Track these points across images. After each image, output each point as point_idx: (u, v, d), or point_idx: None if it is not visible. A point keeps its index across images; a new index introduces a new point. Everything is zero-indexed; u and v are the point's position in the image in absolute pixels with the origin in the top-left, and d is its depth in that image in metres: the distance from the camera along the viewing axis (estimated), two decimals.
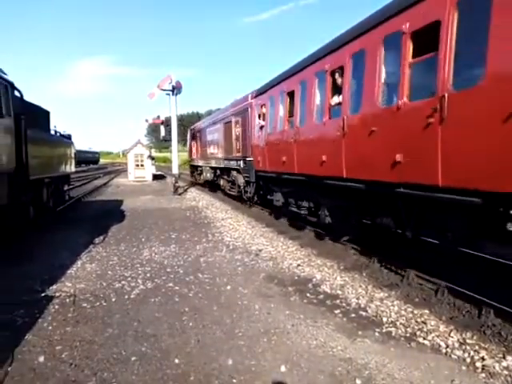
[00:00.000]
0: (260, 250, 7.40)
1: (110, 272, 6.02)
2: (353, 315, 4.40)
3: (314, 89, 7.42)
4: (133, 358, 3.42)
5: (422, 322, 4.16)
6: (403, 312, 4.43)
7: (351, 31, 6.26)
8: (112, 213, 12.43)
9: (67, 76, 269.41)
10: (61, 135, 12.37)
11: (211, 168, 18.74)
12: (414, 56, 4.76)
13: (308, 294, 5.04)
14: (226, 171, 16.01)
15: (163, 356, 3.47)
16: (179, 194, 18.40)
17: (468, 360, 3.40)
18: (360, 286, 5.33)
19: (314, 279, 5.66)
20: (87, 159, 65.15)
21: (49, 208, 10.53)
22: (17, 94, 7.67)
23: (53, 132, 11.52)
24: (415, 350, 3.61)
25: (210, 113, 51.43)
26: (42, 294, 4.98)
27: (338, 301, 4.83)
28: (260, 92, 11.16)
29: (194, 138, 24.41)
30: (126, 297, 4.94)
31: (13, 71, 7.41)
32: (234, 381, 3.10)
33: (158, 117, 24.22)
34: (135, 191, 20.19)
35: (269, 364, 3.33)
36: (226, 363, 3.34)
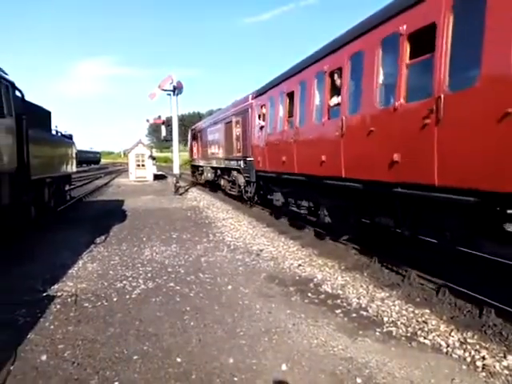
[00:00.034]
0: (261, 250, 7.41)
1: (111, 272, 6.04)
2: (354, 315, 4.41)
3: (313, 89, 7.48)
4: (135, 357, 3.44)
5: (423, 321, 4.17)
6: (404, 312, 4.44)
7: (349, 33, 6.32)
8: (113, 213, 12.45)
9: (69, 76, 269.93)
10: (62, 135, 12.39)
11: (212, 168, 18.76)
12: (410, 57, 4.83)
13: (309, 294, 5.05)
14: (226, 171, 16.05)
15: (165, 355, 3.48)
16: (180, 194, 18.42)
17: (468, 359, 3.41)
18: (361, 286, 5.34)
19: (315, 279, 5.67)
20: (88, 159, 65.23)
21: (50, 208, 10.56)
22: (18, 94, 7.70)
23: (54, 132, 11.55)
24: (416, 349, 3.62)
25: (211, 113, 51.45)
26: (44, 294, 5.00)
27: (338, 300, 4.84)
28: (260, 92, 11.22)
29: (194, 138, 24.45)
30: (128, 296, 4.95)
31: (14, 71, 7.47)
32: (236, 379, 3.11)
33: (159, 117, 24.25)
34: (136, 191, 20.22)
35: (270, 363, 3.35)
36: (227, 362, 3.36)
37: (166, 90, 18.47)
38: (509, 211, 4.12)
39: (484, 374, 3.20)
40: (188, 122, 65.34)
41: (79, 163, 30.47)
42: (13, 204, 6.95)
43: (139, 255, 7.11)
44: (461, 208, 4.33)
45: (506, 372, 3.20)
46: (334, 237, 7.84)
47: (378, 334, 3.93)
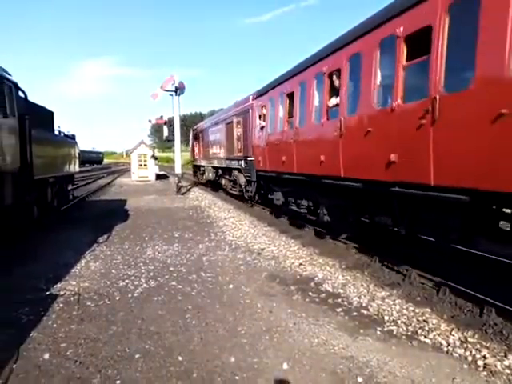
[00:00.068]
0: (262, 249, 7.43)
1: (113, 271, 6.07)
2: (354, 314, 4.42)
3: (312, 90, 7.56)
4: (137, 356, 3.46)
5: (424, 320, 4.18)
6: (405, 311, 4.45)
7: (348, 35, 6.40)
8: (116, 212, 12.50)
9: (71, 76, 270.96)
10: (65, 135, 12.45)
11: (213, 168, 18.84)
12: (407, 59, 4.90)
13: (310, 293, 5.06)
14: (227, 171, 16.13)
15: (167, 353, 3.50)
16: (182, 194, 18.46)
17: (469, 358, 3.41)
18: (362, 285, 5.34)
19: (316, 278, 5.68)
20: (91, 159, 65.42)
21: (53, 207, 10.61)
22: (21, 94, 7.73)
23: (57, 132, 11.60)
24: (416, 348, 3.63)
25: (212, 113, 51.49)
26: (47, 293, 5.04)
27: (339, 299, 4.85)
28: (261, 93, 11.30)
29: (196, 138, 24.51)
30: (130, 295, 4.98)
31: (14, 71, 7.46)
32: (237, 378, 3.13)
33: (161, 117, 24.26)
34: (138, 191, 20.28)
35: (271, 361, 3.36)
36: (228, 361, 3.37)
37: (168, 91, 18.51)
38: (505, 210, 4.18)
39: (485, 373, 3.20)
40: (190, 123, 65.37)
41: (82, 163, 30.63)
42: (16, 204, 6.99)
43: (141, 254, 7.14)
44: (457, 207, 4.38)
45: (508, 371, 3.20)
46: (334, 235, 7.90)
47: (378, 332, 3.94)
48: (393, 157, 5.02)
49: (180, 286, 5.32)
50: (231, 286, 5.31)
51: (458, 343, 3.67)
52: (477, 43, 3.81)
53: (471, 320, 4.20)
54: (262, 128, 10.84)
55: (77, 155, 13.27)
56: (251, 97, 12.21)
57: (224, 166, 16.29)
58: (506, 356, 3.41)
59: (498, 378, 3.12)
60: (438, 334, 3.85)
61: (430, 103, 4.34)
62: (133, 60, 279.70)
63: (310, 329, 4.01)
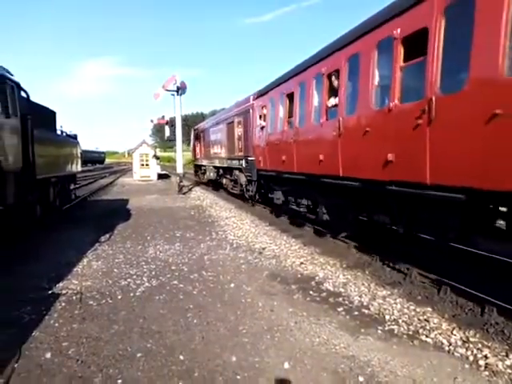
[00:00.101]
0: (263, 249, 7.43)
1: (115, 270, 6.09)
2: (355, 313, 4.42)
3: (312, 91, 7.64)
4: (138, 355, 3.47)
5: (425, 319, 4.18)
6: (406, 310, 4.45)
7: (347, 36, 6.47)
8: (118, 212, 12.53)
9: (72, 77, 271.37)
10: (67, 135, 12.49)
11: (214, 167, 18.89)
12: (404, 60, 4.97)
13: (311, 292, 5.06)
14: (228, 170, 16.18)
15: (168, 352, 3.51)
16: (184, 193, 18.49)
17: (471, 358, 3.41)
18: (362, 284, 5.35)
19: (317, 277, 5.68)
20: (93, 159, 65.51)
21: (55, 207, 10.64)
22: (23, 94, 7.76)
23: (59, 132, 11.64)
24: (418, 347, 3.63)
25: (214, 113, 51.52)
26: (49, 292, 5.06)
27: (340, 299, 4.85)
28: (261, 93, 11.39)
29: (197, 138, 24.55)
30: (132, 294, 5.00)
31: (15, 72, 7.48)
32: (238, 377, 3.13)
33: (163, 117, 24.28)
34: (140, 190, 20.31)
35: (272, 361, 3.36)
36: (229, 360, 3.38)
37: (169, 91, 18.53)
38: (501, 209, 4.22)
39: (487, 372, 3.19)
40: (191, 122, 65.41)
41: (84, 163, 30.65)
42: (18, 203, 7.02)
43: (143, 253, 7.16)
44: (453, 206, 4.44)
45: (509, 371, 3.19)
46: (333, 234, 7.97)
47: (379, 332, 3.94)
48: (390, 156, 5.11)
49: (181, 285, 5.33)
50: (232, 285, 5.31)
51: (459, 343, 3.67)
52: (471, 45, 3.89)
53: (472, 319, 4.20)
54: (262, 128, 10.91)
55: (79, 155, 13.31)
56: (252, 97, 12.28)
57: (225, 165, 16.34)
58: (507, 356, 3.41)
59: (500, 378, 3.11)
60: (440, 334, 3.85)
61: (427, 104, 4.42)
62: (133, 60, 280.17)
63: (311, 328, 4.01)
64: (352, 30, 6.34)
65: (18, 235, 7.81)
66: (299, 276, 5.79)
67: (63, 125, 12.08)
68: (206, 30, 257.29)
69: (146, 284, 5.39)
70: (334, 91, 6.85)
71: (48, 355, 3.46)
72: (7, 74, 6.99)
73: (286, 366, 3.29)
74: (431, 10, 4.42)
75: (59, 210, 11.20)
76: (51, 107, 11.06)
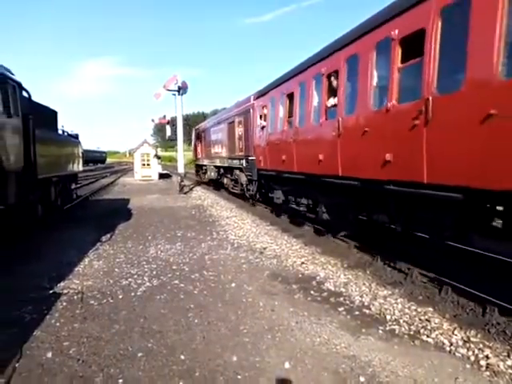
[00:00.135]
0: (264, 248, 7.43)
1: (116, 269, 6.10)
2: (356, 313, 4.42)
3: (311, 91, 7.71)
4: (139, 354, 3.48)
5: (426, 319, 4.17)
6: (407, 310, 4.44)
7: (345, 37, 6.53)
8: (119, 211, 12.55)
9: (72, 77, 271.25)
10: (68, 135, 12.50)
11: (215, 167, 18.93)
12: (402, 61, 5.03)
13: (312, 292, 5.06)
14: (229, 170, 16.22)
15: (169, 352, 3.52)
16: (185, 193, 18.50)
17: (472, 358, 3.40)
18: (363, 284, 5.34)
19: (318, 277, 5.68)
20: (94, 158, 65.56)
21: (57, 207, 10.66)
22: (25, 94, 7.77)
23: (60, 132, 11.65)
24: (419, 347, 3.62)
25: (215, 112, 51.58)
26: (50, 291, 5.07)
27: (341, 298, 4.85)
28: (261, 93, 11.45)
29: (198, 137, 24.57)
30: (133, 294, 5.00)
31: (16, 72, 7.50)
32: (239, 377, 3.14)
33: (164, 117, 24.29)
34: (141, 190, 20.33)
35: (273, 361, 3.37)
36: (230, 359, 3.38)
37: (170, 90, 18.52)
38: (499, 208, 4.26)
39: (488, 373, 3.19)
40: (192, 122, 65.44)
41: (85, 162, 30.65)
42: (20, 203, 7.03)
43: (144, 253, 7.16)
44: (450, 205, 4.49)
45: (510, 371, 3.19)
46: (332, 233, 8.02)
47: (380, 332, 3.94)
48: (388, 156, 5.17)
49: (182, 285, 5.33)
50: (233, 285, 5.32)
51: (460, 343, 3.66)
52: (467, 46, 3.95)
53: (474, 319, 4.19)
54: (262, 128, 10.97)
55: (80, 154, 13.32)
56: (252, 97, 12.33)
57: (226, 165, 16.36)
58: (508, 356, 3.40)
59: (501, 378, 3.11)
60: (441, 334, 3.84)
61: (424, 104, 4.48)
62: (134, 60, 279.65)
63: (312, 328, 4.01)
64: (351, 30, 6.41)
65: (20, 235, 7.83)
66: (300, 276, 5.79)
67: (64, 125, 12.11)
68: (207, 30, 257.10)
69: (147, 284, 5.40)
70: (333, 91, 6.91)
71: (49, 355, 3.46)
72: (9, 74, 7.01)
73: (287, 365, 3.29)
74: (428, 11, 4.48)
75: (60, 210, 11.22)
76: (52, 107, 11.08)
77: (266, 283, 5.44)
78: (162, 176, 29.59)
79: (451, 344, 3.65)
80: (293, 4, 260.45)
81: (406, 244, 6.75)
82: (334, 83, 6.83)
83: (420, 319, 4.19)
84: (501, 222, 4.49)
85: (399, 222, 5.62)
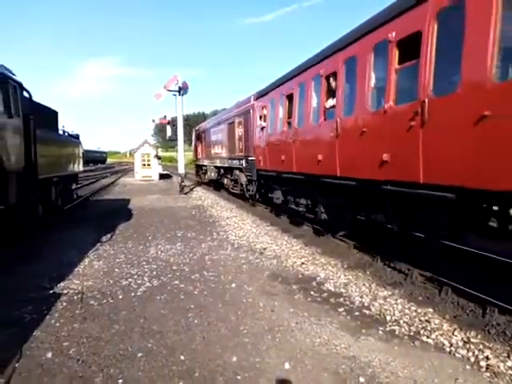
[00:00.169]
0: (264, 249, 7.43)
1: (116, 270, 6.10)
2: (356, 313, 4.41)
3: (310, 92, 7.79)
4: (139, 355, 3.48)
5: (426, 320, 4.17)
6: (407, 310, 4.44)
7: (344, 39, 6.60)
8: (119, 211, 12.55)
9: (73, 77, 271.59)
10: (69, 135, 12.52)
11: (215, 167, 18.96)
12: (399, 63, 5.10)
13: (312, 292, 5.06)
14: (229, 170, 16.26)
15: (169, 352, 3.52)
16: (185, 193, 18.51)
17: (472, 359, 3.40)
18: (363, 285, 5.34)
19: (318, 277, 5.68)
20: (95, 159, 65.63)
21: (57, 207, 10.67)
22: (25, 94, 7.78)
23: (61, 132, 11.66)
24: (419, 348, 3.62)
25: (215, 113, 51.62)
26: (50, 292, 5.07)
27: (341, 299, 4.85)
28: (261, 94, 11.52)
29: (198, 138, 24.60)
30: (133, 294, 5.00)
31: (16, 72, 7.51)
32: (239, 377, 3.13)
33: (165, 117, 24.31)
34: (142, 190, 20.34)
35: (273, 361, 3.36)
36: (230, 360, 3.38)
37: (171, 91, 18.53)
38: (495, 208, 4.36)
39: (488, 374, 3.18)
40: (193, 122, 65.45)
41: (86, 163, 30.67)
42: (20, 203, 7.03)
43: (145, 253, 7.17)
44: (446, 204, 4.55)
45: (510, 372, 3.18)
46: (331, 233, 8.06)
47: (380, 332, 3.93)
48: (385, 156, 5.23)
49: (183, 285, 5.33)
50: (233, 285, 5.32)
51: (460, 344, 3.66)
52: (462, 50, 4.02)
53: (474, 320, 4.19)
54: (262, 128, 11.03)
55: (81, 155, 13.34)
56: (252, 97, 12.39)
57: (226, 165, 16.39)
58: (509, 357, 3.40)
59: (501, 379, 3.11)
60: (441, 335, 3.84)
61: (420, 106, 4.56)
62: (134, 60, 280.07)
63: (312, 328, 4.01)
64: (349, 32, 6.49)
65: (20, 235, 7.84)
66: (300, 276, 5.79)
67: (65, 125, 12.13)
68: (207, 30, 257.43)
69: (147, 284, 5.40)
70: (331, 92, 6.98)
71: (49, 355, 3.47)
72: (9, 74, 7.02)
73: (287, 366, 3.29)
74: (424, 14, 4.54)
75: (61, 210, 11.23)
76: (53, 107, 11.09)
77: (266, 284, 5.44)
78: (162, 176, 29.60)
79: (451, 345, 3.64)
80: (294, 4, 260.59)
81: (403, 244, 6.79)
82: (333, 84, 6.90)
83: (420, 320, 4.19)
84: (499, 222, 4.53)
85: (396, 221, 5.69)
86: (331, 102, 6.98)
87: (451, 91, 4.20)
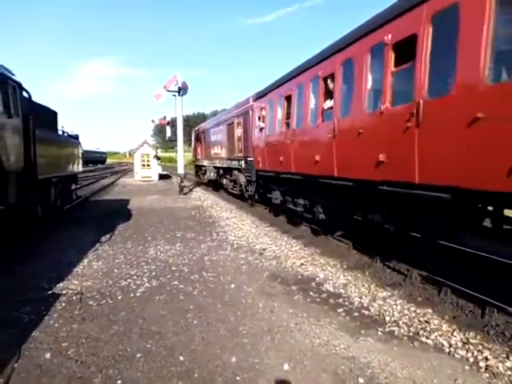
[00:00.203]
0: (264, 249, 7.43)
1: (116, 270, 6.09)
2: (356, 314, 4.41)
3: (308, 93, 7.86)
4: (138, 355, 3.47)
5: (425, 321, 4.17)
6: (406, 311, 4.44)
7: (341, 41, 6.66)
8: (119, 212, 12.54)
9: (73, 77, 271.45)
10: (68, 135, 12.51)
11: (215, 168, 18.99)
12: (395, 65, 5.15)
13: (311, 293, 5.06)
14: (228, 171, 16.29)
15: (168, 353, 3.51)
16: (185, 194, 18.51)
17: (471, 360, 3.40)
18: (363, 285, 5.34)
19: (317, 278, 5.68)
20: (94, 159, 65.59)
21: (56, 207, 10.66)
22: (25, 94, 7.77)
23: (60, 132, 11.66)
24: (418, 349, 3.62)
25: (215, 113, 51.64)
26: (49, 292, 5.06)
27: (340, 300, 4.85)
28: (260, 95, 11.58)
29: (198, 138, 24.62)
30: (132, 295, 5.00)
31: (16, 71, 7.50)
32: (238, 378, 3.13)
33: (164, 117, 24.30)
34: (141, 191, 20.33)
35: (272, 362, 3.36)
36: (229, 361, 3.38)
37: (171, 91, 18.54)
38: (490, 208, 4.49)
39: (487, 374, 3.19)
40: (192, 123, 65.44)
41: (85, 163, 30.62)
42: (20, 203, 7.02)
43: (144, 254, 7.16)
44: (440, 204, 4.59)
45: (510, 373, 3.18)
46: (329, 233, 8.12)
47: (380, 333, 3.93)
48: (381, 157, 5.29)
49: (182, 286, 5.33)
50: (233, 286, 5.31)
51: (459, 344, 3.66)
52: (456, 53, 4.08)
53: (473, 321, 4.19)
54: (261, 129, 11.08)
55: (80, 155, 13.34)
56: (251, 98, 12.43)
57: (225, 165, 16.42)
58: (507, 357, 3.40)
59: (500, 380, 3.11)
60: (440, 335, 3.84)
61: (415, 107, 4.61)
62: (134, 60, 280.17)
63: (311, 329, 4.00)
64: (346, 35, 6.55)
65: (19, 235, 7.83)
66: (299, 277, 5.79)
67: (64, 125, 12.12)
68: (207, 30, 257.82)
69: (146, 284, 5.39)
70: (329, 94, 7.04)
71: (47, 355, 3.46)
72: (9, 74, 7.01)
73: (286, 367, 3.28)
74: (420, 17, 4.60)
75: (60, 210, 11.22)
76: (52, 107, 11.09)
77: (266, 284, 5.43)
78: (161, 177, 29.59)
79: (450, 345, 3.64)
80: (295, 4, 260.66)
81: (400, 243, 6.83)
82: (331, 86, 6.96)
83: (419, 320, 4.19)
84: (494, 222, 4.60)
85: (392, 221, 5.74)
86: (329, 103, 7.03)
87: (445, 93, 4.28)
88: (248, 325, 4.09)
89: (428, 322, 4.12)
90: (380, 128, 5.39)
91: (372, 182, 5.61)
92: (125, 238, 8.61)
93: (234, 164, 14.52)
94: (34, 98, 8.55)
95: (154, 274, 5.89)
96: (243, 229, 9.56)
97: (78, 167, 12.99)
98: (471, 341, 3.71)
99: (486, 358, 3.39)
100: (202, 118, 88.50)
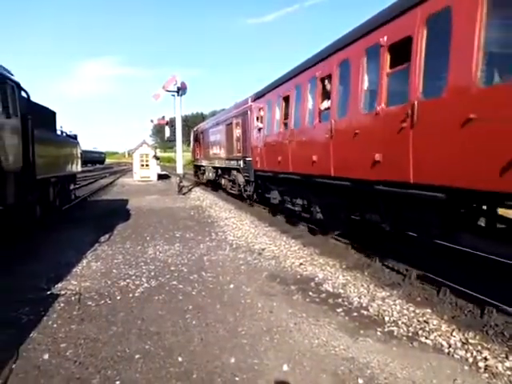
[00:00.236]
0: (263, 249, 7.42)
1: (114, 270, 6.08)
2: (355, 314, 4.41)
3: (306, 94, 7.92)
4: (136, 356, 3.46)
5: (424, 321, 4.16)
6: (405, 311, 4.44)
7: (338, 42, 6.73)
8: (117, 212, 12.52)
9: (72, 76, 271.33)
10: (67, 135, 12.49)
11: (213, 168, 19.00)
12: (390, 66, 5.22)
13: (310, 293, 5.05)
14: (227, 171, 16.31)
15: (166, 354, 3.50)
16: (184, 194, 18.49)
17: (470, 360, 3.40)
18: (362, 285, 5.34)
19: (317, 278, 5.67)
20: (93, 159, 65.49)
21: (55, 207, 10.64)
22: (23, 94, 7.75)
23: (59, 132, 11.64)
24: (417, 349, 3.62)
25: (214, 113, 51.56)
26: (48, 292, 5.04)
27: (340, 300, 4.84)
28: (258, 96, 11.64)
29: (197, 138, 24.63)
30: (131, 295, 4.98)
31: (16, 71, 7.48)
32: (237, 379, 3.12)
33: (163, 117, 24.28)
34: (140, 191, 20.30)
35: (271, 363, 3.35)
36: (228, 361, 3.37)
37: (170, 91, 18.53)
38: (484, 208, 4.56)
39: (486, 374, 3.18)
40: (191, 123, 65.41)
41: (84, 163, 30.62)
42: (18, 203, 7.00)
43: (143, 254, 7.15)
44: (435, 203, 4.64)
45: (509, 373, 3.18)
46: (326, 233, 8.17)
47: (379, 333, 3.93)
48: (377, 157, 5.35)
49: (181, 286, 5.32)
50: (232, 286, 5.30)
51: (458, 344, 3.65)
52: (450, 55, 4.16)
53: (472, 321, 4.19)
54: (259, 129, 11.13)
55: (79, 155, 13.31)
56: (250, 99, 12.47)
57: (224, 166, 16.44)
58: (507, 357, 3.40)
59: (499, 380, 3.10)
60: (439, 335, 3.83)
61: (410, 108, 4.68)
62: (134, 60, 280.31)
63: (310, 329, 4.00)
64: (343, 36, 6.61)
65: (18, 235, 7.80)
66: (299, 277, 5.78)
67: (63, 125, 12.11)
68: (207, 30, 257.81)
69: (145, 285, 5.38)
70: (326, 94, 7.09)
71: (46, 356, 3.44)
72: (7, 74, 6.99)
73: (285, 367, 3.28)
74: (414, 20, 4.66)
75: (59, 210, 11.19)
76: (51, 107, 11.07)
77: (265, 284, 5.43)
78: (160, 177, 29.56)
79: (450, 345, 3.64)
80: (295, 4, 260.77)
81: (397, 243, 6.86)
82: (328, 87, 7.01)
83: (418, 320, 4.19)
84: (488, 221, 4.66)
85: (388, 221, 5.78)
86: (326, 103, 7.08)
87: (439, 94, 4.33)
88: (247, 325, 4.08)
89: (427, 322, 4.12)
90: (376, 128, 5.46)
91: (368, 181, 5.66)
92: (124, 238, 8.60)
93: (233, 164, 14.55)
94: (34, 98, 8.53)
95: (152, 274, 5.88)
96: (242, 229, 9.55)
97: (77, 167, 12.96)
98: (470, 341, 3.70)
99: (486, 358, 3.39)
100: (201, 118, 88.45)
